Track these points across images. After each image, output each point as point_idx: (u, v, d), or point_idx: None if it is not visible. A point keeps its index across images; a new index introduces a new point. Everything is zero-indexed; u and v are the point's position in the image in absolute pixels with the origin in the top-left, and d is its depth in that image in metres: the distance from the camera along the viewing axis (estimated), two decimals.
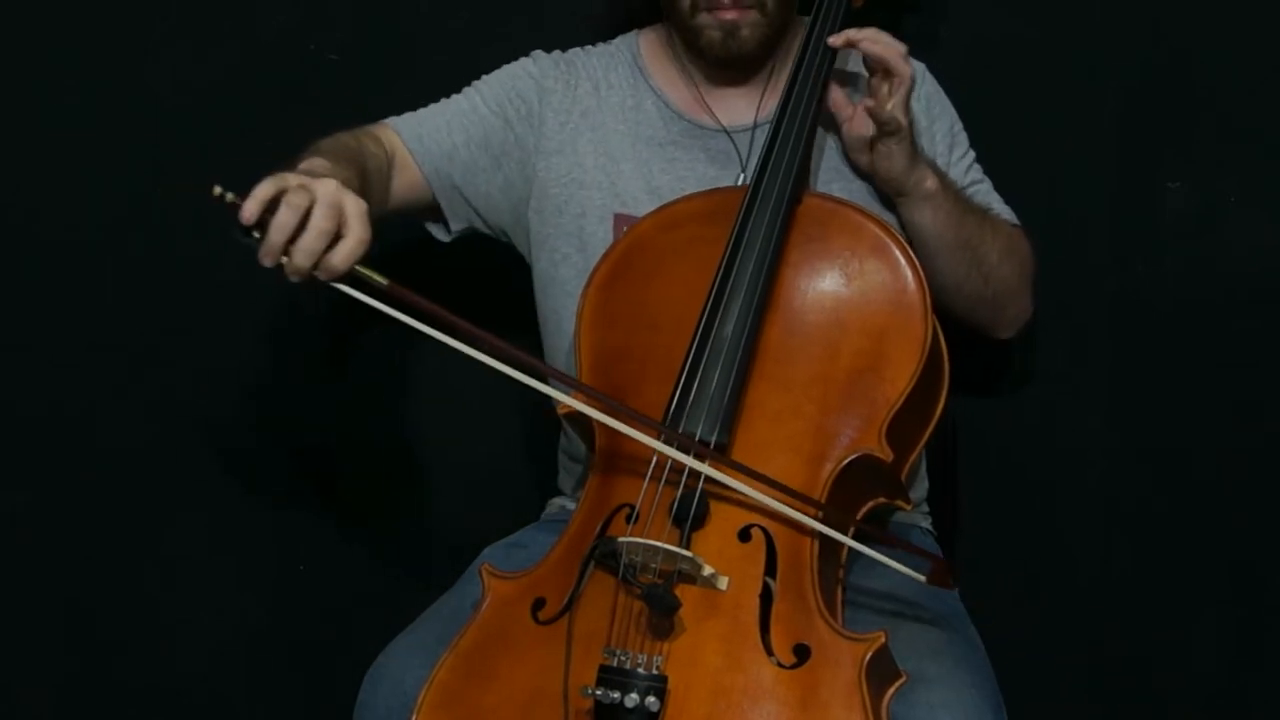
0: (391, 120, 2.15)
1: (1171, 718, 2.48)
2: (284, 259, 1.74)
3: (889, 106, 1.99)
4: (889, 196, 2.08)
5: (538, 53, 2.21)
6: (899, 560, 1.84)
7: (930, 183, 2.03)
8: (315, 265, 1.74)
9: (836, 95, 2.08)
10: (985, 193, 2.19)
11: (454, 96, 2.18)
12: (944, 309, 2.03)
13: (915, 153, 2.04)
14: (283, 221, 1.72)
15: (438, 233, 2.20)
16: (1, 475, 2.52)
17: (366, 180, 1.98)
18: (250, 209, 1.73)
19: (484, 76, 2.20)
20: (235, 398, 2.51)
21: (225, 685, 2.55)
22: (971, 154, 2.20)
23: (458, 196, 2.15)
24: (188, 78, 2.46)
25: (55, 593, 2.54)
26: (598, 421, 1.86)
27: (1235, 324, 2.42)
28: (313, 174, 1.80)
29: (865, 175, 2.10)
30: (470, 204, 2.16)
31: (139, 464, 2.52)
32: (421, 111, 2.17)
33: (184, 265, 2.49)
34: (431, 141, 2.13)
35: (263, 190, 1.74)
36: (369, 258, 1.77)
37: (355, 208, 1.76)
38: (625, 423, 1.83)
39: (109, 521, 2.52)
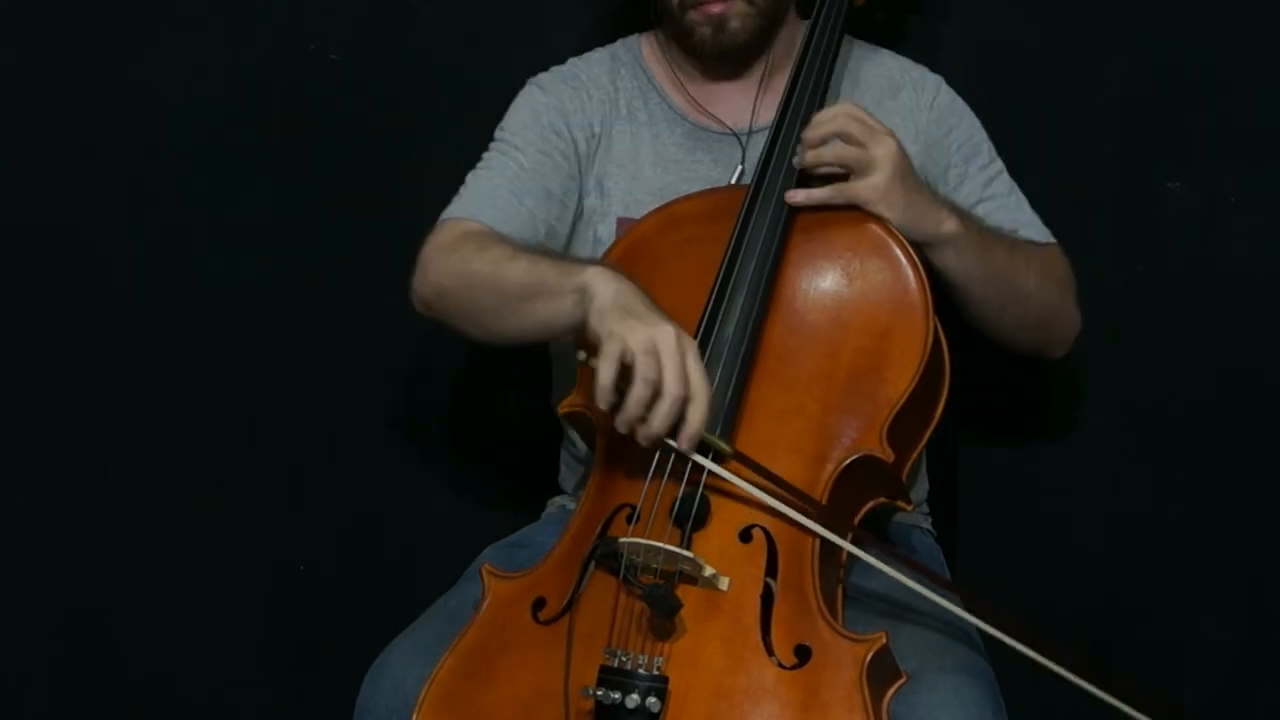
0: (461, 212, 2.05)
1: (1172, 718, 2.48)
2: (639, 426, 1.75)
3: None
4: None
5: (541, 78, 2.16)
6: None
7: (947, 226, 1.95)
8: (669, 432, 1.75)
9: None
10: (1013, 207, 2.13)
11: (492, 159, 2.10)
12: (991, 340, 2.04)
13: (912, 204, 1.93)
14: (640, 397, 1.73)
15: None
16: (1, 475, 2.52)
17: None
18: (604, 398, 1.74)
19: (506, 126, 2.13)
20: (235, 397, 2.52)
21: (225, 685, 2.55)
22: (997, 164, 2.15)
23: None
24: (188, 78, 2.46)
25: (55, 593, 2.54)
26: (598, 420, 1.87)
27: (1236, 324, 2.42)
28: (631, 310, 1.78)
29: None
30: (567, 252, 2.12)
31: (139, 464, 2.52)
32: (479, 189, 2.07)
33: (184, 265, 2.49)
34: (514, 218, 2.05)
35: (608, 374, 1.73)
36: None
37: (698, 368, 1.75)
38: None
39: (109, 522, 2.52)
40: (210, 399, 2.51)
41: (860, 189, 1.91)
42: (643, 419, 1.75)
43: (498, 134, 2.13)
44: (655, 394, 1.73)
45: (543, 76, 2.17)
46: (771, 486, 1.80)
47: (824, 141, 1.91)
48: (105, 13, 2.46)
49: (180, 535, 2.54)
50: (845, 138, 1.91)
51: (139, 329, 2.50)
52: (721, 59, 2.11)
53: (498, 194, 2.06)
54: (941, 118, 2.14)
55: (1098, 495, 2.47)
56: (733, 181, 2.09)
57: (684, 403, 1.74)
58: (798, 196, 1.93)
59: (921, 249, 1.95)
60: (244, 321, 2.50)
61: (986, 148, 2.16)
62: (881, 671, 1.75)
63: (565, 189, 2.11)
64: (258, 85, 2.48)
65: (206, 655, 2.54)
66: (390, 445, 2.53)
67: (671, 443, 1.76)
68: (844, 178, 1.93)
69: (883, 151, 1.91)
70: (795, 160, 1.93)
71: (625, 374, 1.75)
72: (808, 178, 1.94)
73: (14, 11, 2.46)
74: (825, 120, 1.92)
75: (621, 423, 1.75)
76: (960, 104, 2.18)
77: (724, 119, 2.14)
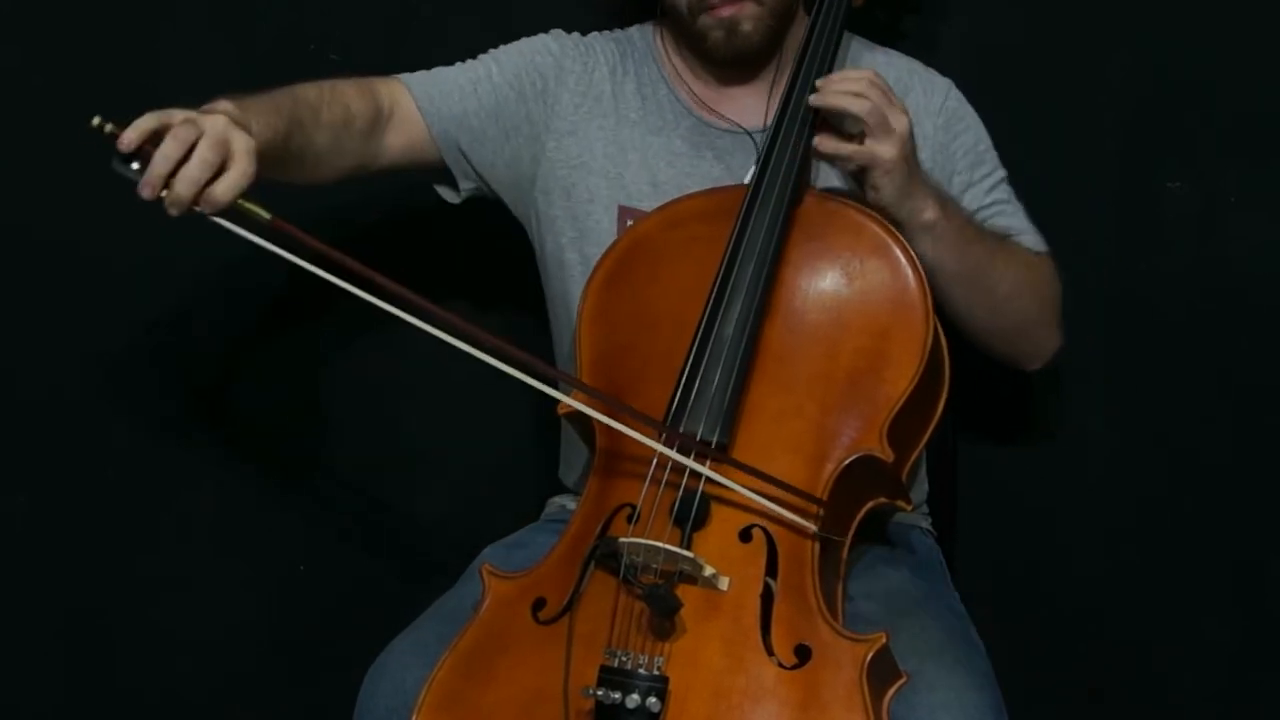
0: (405, 76, 2.13)
1: (1172, 718, 2.48)
2: (165, 192, 1.74)
3: (852, 151, 1.93)
4: None
5: (559, 31, 2.20)
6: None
7: (929, 213, 1.95)
8: (197, 197, 1.74)
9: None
10: (1010, 214, 2.13)
11: (470, 61, 2.17)
12: (966, 339, 2.03)
13: (909, 183, 1.94)
14: (166, 152, 1.72)
15: (447, 195, 2.18)
16: (1, 475, 2.52)
17: (302, 130, 1.97)
18: (129, 137, 1.73)
19: (504, 46, 2.18)
20: (235, 398, 2.51)
21: (225, 685, 2.55)
22: (1000, 172, 2.15)
23: (464, 162, 2.14)
24: (188, 77, 2.46)
25: (55, 593, 2.54)
26: (597, 421, 1.87)
27: (1235, 324, 2.42)
28: (209, 111, 1.80)
29: None
30: (476, 171, 2.15)
31: (138, 464, 2.52)
32: (436, 71, 2.15)
33: (184, 265, 2.48)
34: (443, 103, 2.11)
35: (145, 121, 1.74)
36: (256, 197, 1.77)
37: (242, 143, 1.76)
38: (625, 423, 1.82)
39: (109, 522, 2.52)
40: (210, 399, 2.51)
41: (875, 150, 1.91)
42: (167, 185, 1.74)
43: (493, 49, 2.18)
44: (184, 158, 1.73)
45: (561, 31, 2.20)
46: (770, 489, 1.80)
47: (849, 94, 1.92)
48: (105, 13, 2.46)
49: (180, 535, 2.53)
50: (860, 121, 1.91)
51: (139, 329, 2.49)
52: (735, 62, 2.11)
53: (450, 82, 2.13)
54: (949, 123, 2.14)
55: (1097, 495, 2.47)
56: (745, 180, 2.09)
57: (217, 170, 1.74)
58: (827, 144, 1.94)
59: (902, 233, 1.95)
60: (244, 321, 2.50)
61: (991, 155, 2.16)
62: (882, 671, 1.75)
63: (514, 123, 2.13)
64: (258, 85, 2.47)
65: (207, 654, 2.54)
66: (389, 445, 2.53)
67: (201, 209, 1.74)
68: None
69: (899, 123, 1.91)
70: (813, 140, 1.93)
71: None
72: (811, 169, 1.94)
73: (14, 11, 2.46)
74: (853, 77, 1.93)
75: (144, 184, 1.74)
76: (968, 109, 2.17)
77: (734, 117, 2.13)
